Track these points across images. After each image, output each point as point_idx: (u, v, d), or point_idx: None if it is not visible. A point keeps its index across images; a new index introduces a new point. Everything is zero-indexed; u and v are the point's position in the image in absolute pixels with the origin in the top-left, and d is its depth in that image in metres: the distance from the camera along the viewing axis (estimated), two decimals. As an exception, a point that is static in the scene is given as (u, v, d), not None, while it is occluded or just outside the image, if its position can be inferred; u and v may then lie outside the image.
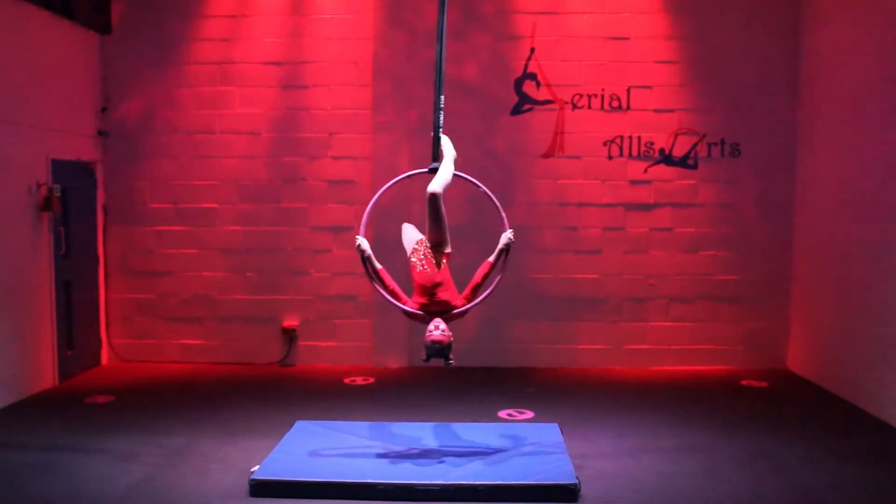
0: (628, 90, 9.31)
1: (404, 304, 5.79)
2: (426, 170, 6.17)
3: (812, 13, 8.95)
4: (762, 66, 9.23)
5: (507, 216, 6.15)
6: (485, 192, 6.20)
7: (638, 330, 9.43)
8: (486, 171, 9.26)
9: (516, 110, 9.37)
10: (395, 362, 9.35)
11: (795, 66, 9.19)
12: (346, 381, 8.80)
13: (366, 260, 5.79)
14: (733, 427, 7.08)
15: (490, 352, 9.43)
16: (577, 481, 5.46)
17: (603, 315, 9.43)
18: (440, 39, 5.98)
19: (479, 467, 5.76)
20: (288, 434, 6.49)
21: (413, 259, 5.90)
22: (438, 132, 6.05)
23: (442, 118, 6.07)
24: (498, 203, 6.18)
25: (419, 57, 9.30)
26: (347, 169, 9.44)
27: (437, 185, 5.92)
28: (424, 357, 5.73)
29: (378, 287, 5.83)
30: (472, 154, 9.28)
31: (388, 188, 6.22)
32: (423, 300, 5.78)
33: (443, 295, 5.78)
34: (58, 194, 8.43)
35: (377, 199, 6.12)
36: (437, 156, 6.12)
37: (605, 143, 9.36)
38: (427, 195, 5.88)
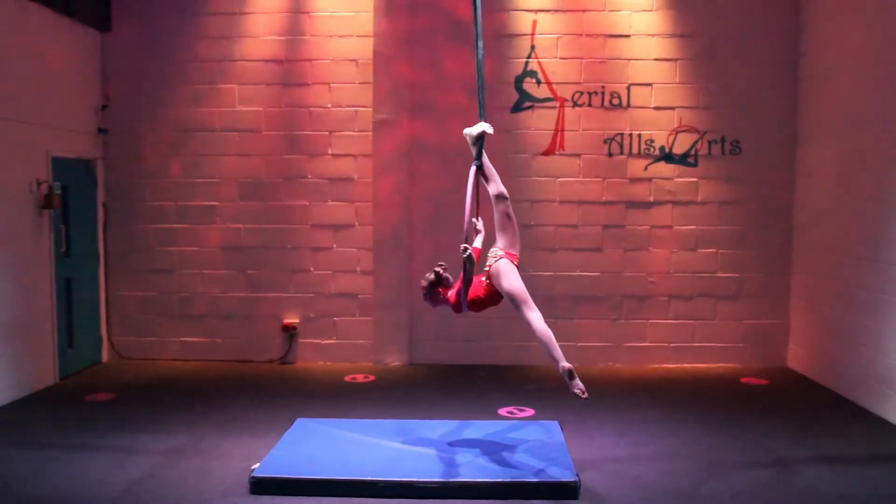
0: (628, 87, 9.31)
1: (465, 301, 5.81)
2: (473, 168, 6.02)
3: (812, 11, 8.95)
4: (762, 64, 9.23)
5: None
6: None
7: (638, 327, 9.44)
8: (486, 169, 9.27)
9: (516, 108, 9.36)
10: (395, 360, 9.36)
11: (795, 64, 9.20)
12: (347, 378, 8.81)
13: (472, 267, 5.72)
14: (733, 424, 7.08)
15: (490, 349, 9.44)
16: (577, 478, 5.47)
17: (603, 313, 9.43)
18: (477, 38, 5.95)
19: (480, 465, 5.76)
20: (288, 432, 6.49)
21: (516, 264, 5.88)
22: (482, 136, 6.02)
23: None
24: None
25: (420, 55, 9.30)
26: (348, 167, 9.44)
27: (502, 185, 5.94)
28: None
29: (465, 288, 5.75)
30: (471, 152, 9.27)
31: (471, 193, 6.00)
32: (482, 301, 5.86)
33: None
34: (58, 192, 8.44)
35: (470, 209, 5.91)
36: (479, 154, 6.09)
37: (605, 141, 9.36)
38: (506, 197, 5.97)
